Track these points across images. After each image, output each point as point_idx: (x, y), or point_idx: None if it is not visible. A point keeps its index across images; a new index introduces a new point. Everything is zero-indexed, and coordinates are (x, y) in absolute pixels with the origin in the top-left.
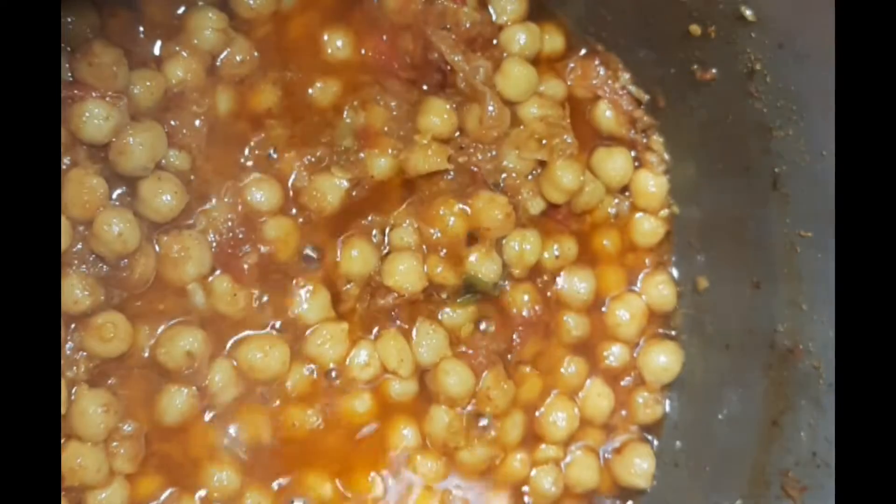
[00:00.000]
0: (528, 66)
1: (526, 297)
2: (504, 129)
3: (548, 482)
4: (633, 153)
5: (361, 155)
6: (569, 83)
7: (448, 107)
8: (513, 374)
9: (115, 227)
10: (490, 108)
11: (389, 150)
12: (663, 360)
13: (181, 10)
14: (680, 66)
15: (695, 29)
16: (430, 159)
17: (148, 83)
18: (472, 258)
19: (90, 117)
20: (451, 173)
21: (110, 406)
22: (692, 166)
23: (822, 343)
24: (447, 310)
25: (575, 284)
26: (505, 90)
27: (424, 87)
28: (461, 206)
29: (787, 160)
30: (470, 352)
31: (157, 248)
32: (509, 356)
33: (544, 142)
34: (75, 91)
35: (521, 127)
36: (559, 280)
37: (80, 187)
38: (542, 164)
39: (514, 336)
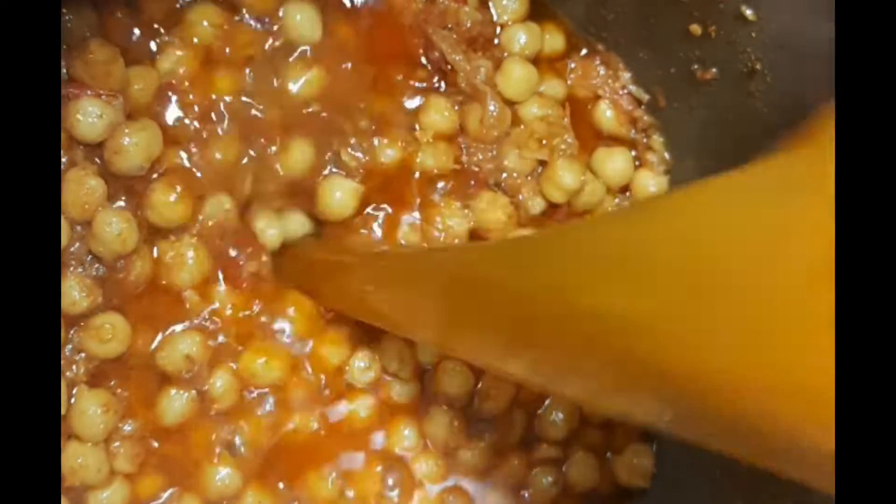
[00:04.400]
0: (528, 66)
1: None
2: (505, 128)
3: (547, 481)
4: (633, 153)
5: (375, 141)
6: (569, 83)
7: (449, 105)
8: None
9: (115, 226)
10: (491, 107)
11: (399, 143)
12: None
13: (179, 4)
14: (680, 66)
15: (695, 28)
16: (438, 157)
17: (145, 80)
18: None
19: (84, 116)
20: (454, 173)
21: (110, 406)
22: (692, 166)
23: None
24: None
25: None
26: (506, 90)
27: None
28: (463, 206)
29: None
30: None
31: (155, 251)
32: None
33: (545, 142)
34: (70, 90)
35: (522, 126)
36: None
37: (79, 188)
38: (543, 163)
39: None
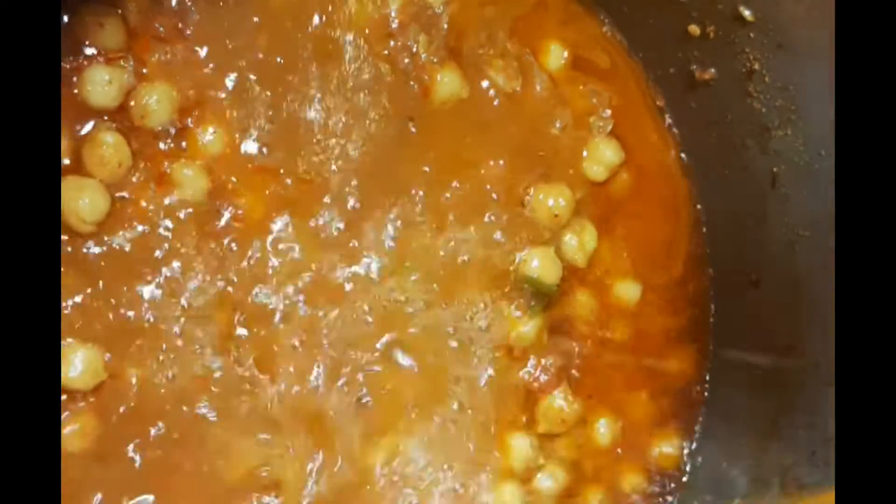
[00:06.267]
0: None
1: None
2: (552, 104)
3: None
4: None
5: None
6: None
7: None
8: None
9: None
10: (538, 81)
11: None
12: None
13: None
14: (679, 66)
15: (694, 29)
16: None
17: None
18: (533, 262)
19: (95, 84)
20: None
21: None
22: (692, 165)
23: (822, 343)
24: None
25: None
26: (545, 63)
27: None
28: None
29: (786, 160)
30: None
31: None
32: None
33: (592, 118)
34: (81, 60)
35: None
36: None
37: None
38: None
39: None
